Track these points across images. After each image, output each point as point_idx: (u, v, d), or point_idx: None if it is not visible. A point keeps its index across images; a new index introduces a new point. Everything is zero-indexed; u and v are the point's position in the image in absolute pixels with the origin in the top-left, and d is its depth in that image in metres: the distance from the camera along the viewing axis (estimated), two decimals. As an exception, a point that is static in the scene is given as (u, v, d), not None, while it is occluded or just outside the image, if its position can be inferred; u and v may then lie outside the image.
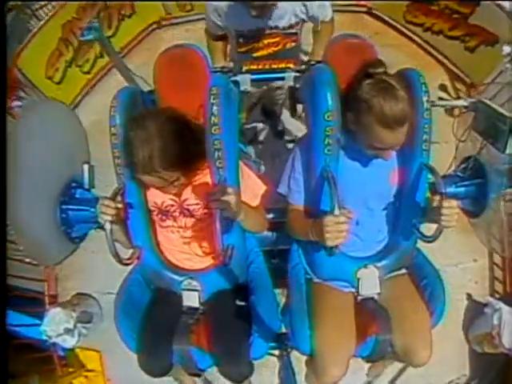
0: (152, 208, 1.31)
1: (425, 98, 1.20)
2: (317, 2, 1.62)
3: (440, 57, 3.06)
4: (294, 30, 1.64)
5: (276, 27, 1.65)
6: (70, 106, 3.06)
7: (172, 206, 1.30)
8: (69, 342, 2.12)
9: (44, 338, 2.05)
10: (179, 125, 1.16)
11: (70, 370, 2.14)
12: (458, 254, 2.30)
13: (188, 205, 1.29)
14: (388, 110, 1.06)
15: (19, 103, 2.80)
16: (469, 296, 2.24)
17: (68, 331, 2.09)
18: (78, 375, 2.14)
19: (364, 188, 1.27)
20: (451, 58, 3.18)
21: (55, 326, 2.06)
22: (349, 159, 1.25)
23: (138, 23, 3.27)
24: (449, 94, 3.08)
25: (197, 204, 1.28)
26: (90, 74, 3.33)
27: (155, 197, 1.30)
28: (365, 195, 1.28)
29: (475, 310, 2.17)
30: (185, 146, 1.15)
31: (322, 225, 1.06)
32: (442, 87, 3.05)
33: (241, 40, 1.43)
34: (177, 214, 1.30)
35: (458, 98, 2.99)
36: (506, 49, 2.69)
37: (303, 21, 1.68)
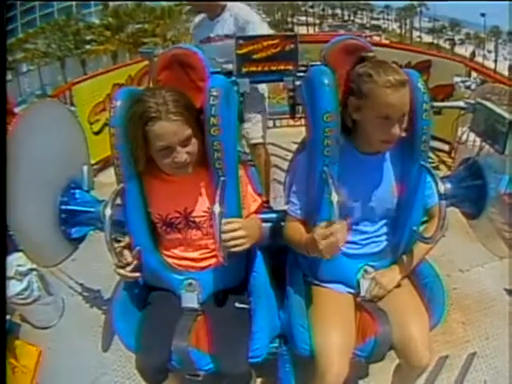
0: (156, 220, 1.30)
1: (424, 99, 1.21)
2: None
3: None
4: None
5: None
6: (98, 163, 3.21)
7: (177, 218, 1.28)
8: (13, 286, 1.88)
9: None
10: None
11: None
12: (479, 256, 2.20)
13: (194, 217, 1.28)
14: (387, 73, 1.13)
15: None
16: (508, 291, 2.14)
17: (18, 274, 1.89)
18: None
19: (365, 204, 1.28)
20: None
21: (9, 267, 1.86)
22: (349, 182, 1.25)
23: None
24: (437, 171, 3.13)
25: (203, 216, 1.27)
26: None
27: (159, 208, 1.29)
28: (366, 209, 1.29)
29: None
30: (194, 108, 1.19)
31: (315, 233, 1.09)
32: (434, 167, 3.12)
33: (240, 42, 1.45)
34: (182, 226, 1.29)
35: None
36: (457, 79, 2.79)
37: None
